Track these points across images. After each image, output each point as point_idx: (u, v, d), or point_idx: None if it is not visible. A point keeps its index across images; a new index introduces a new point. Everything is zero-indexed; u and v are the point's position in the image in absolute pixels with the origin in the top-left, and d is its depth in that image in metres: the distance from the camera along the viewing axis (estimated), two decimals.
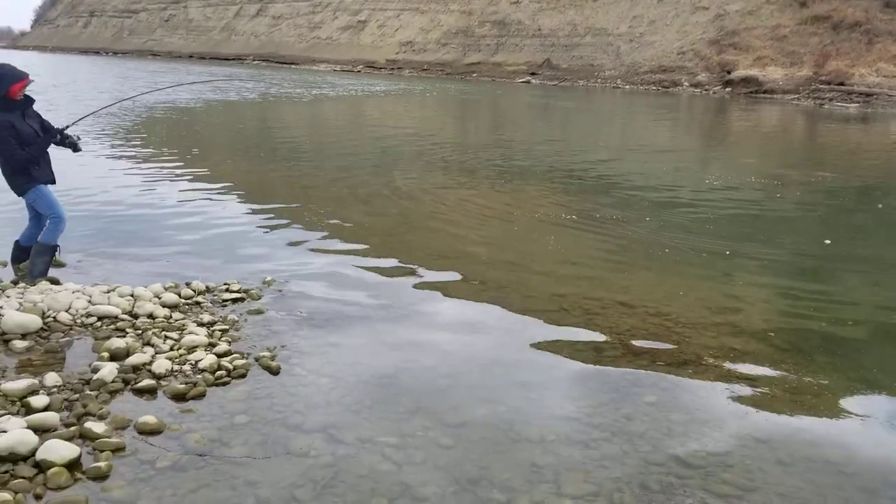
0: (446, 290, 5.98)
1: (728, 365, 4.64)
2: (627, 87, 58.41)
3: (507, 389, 4.21)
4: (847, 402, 4.25)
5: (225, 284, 5.66)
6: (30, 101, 5.62)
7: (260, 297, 5.50)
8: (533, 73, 67.22)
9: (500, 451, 3.52)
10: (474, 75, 70.73)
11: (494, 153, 15.55)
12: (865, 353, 5.00)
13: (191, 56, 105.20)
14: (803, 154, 18.70)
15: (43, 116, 5.81)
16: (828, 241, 8.08)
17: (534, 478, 3.30)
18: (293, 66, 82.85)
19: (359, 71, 77.58)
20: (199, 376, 4.09)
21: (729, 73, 53.48)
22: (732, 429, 3.82)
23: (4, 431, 3.31)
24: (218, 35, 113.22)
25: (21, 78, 5.44)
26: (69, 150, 5.88)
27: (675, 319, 5.41)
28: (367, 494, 3.12)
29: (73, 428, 3.45)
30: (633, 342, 4.95)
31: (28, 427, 3.35)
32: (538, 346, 4.89)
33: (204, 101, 26.32)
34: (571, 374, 4.47)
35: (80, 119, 6.33)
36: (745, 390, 4.30)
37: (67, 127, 5.97)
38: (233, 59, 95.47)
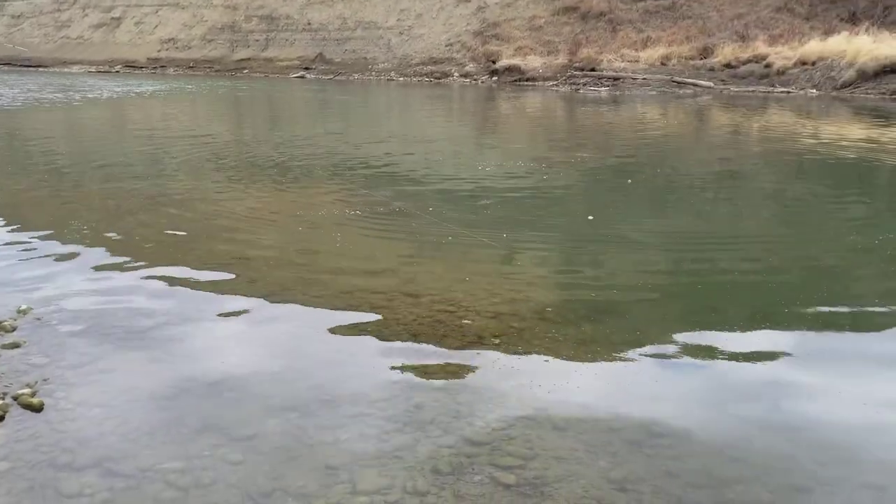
0: (228, 298, 5.77)
1: (508, 343, 4.91)
2: (401, 79, 59.66)
3: (298, 394, 4.17)
4: (613, 364, 4.67)
5: None
6: None
7: (14, 329, 4.97)
8: (307, 68, 66.53)
9: (293, 458, 3.48)
10: (245, 71, 68.69)
11: (273, 151, 15.23)
12: (628, 317, 5.52)
13: None
14: (564, 137, 20.18)
15: None
16: (591, 217, 8.80)
17: (329, 480, 3.30)
18: (40, 69, 75.51)
19: (117, 71, 72.33)
20: None
21: (494, 62, 56.33)
22: (513, 403, 4.07)
23: None
24: None
25: None
26: None
27: (459, 304, 5.63)
28: None
29: None
30: (420, 331, 5.10)
31: None
32: (327, 346, 4.88)
33: None
34: (362, 370, 4.51)
35: None
36: (524, 364, 4.58)
37: None
38: None
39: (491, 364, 4.59)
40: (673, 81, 43.35)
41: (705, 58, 46.68)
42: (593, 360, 4.70)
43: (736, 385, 4.40)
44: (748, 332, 5.18)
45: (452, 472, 3.36)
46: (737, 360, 4.74)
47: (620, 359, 4.75)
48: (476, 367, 4.53)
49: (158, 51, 77.78)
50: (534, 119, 26.13)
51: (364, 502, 3.14)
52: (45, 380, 4.22)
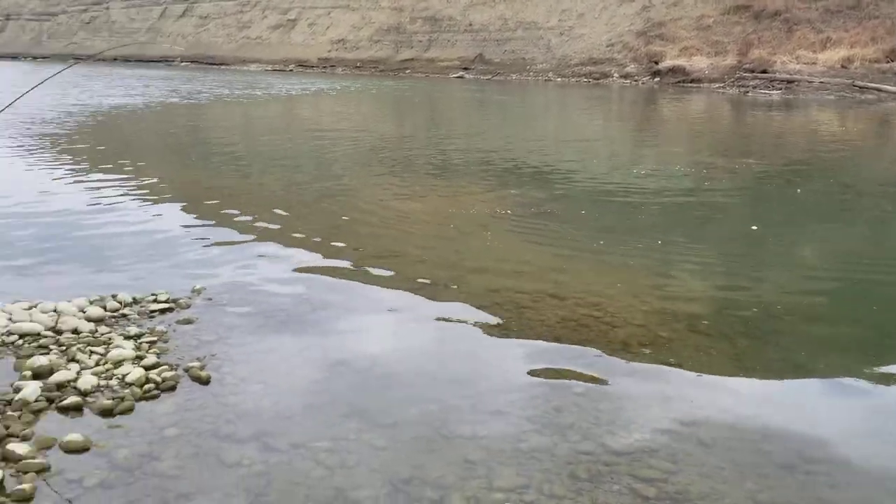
0: (379, 291, 5.99)
1: (654, 352, 4.78)
2: (559, 79, 59.20)
3: (439, 387, 4.27)
4: (768, 382, 4.43)
5: (152, 295, 5.56)
6: None
7: (189, 307, 5.42)
8: (466, 68, 67.52)
9: (432, 450, 3.57)
10: (408, 72, 70.68)
11: (430, 149, 15.60)
12: (788, 335, 5.20)
13: (115, 59, 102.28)
14: (730, 141, 19.27)
15: None
16: (754, 227, 8.37)
17: (466, 474, 3.36)
18: (223, 67, 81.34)
19: (290, 70, 76.64)
20: (127, 390, 4.02)
21: (657, 63, 54.68)
22: (657, 414, 3.95)
23: None
24: (143, 37, 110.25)
25: None
26: None
27: (605, 309, 5.54)
28: (300, 500, 3.13)
29: None
30: (564, 334, 5.06)
31: None
32: (471, 342, 4.96)
33: (131, 105, 25.66)
34: (503, 368, 4.55)
35: None
36: (671, 376, 4.44)
37: None
38: (160, 61, 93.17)
39: (636, 372, 4.48)
40: (854, 86, 40.18)
41: (893, 61, 43.01)
42: (747, 376, 4.47)
43: None
44: None
45: (590, 478, 3.32)
46: None
47: (777, 378, 4.50)
48: (620, 375, 4.44)
49: (329, 51, 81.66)
50: (697, 122, 25.13)
51: (500, 499, 3.16)
52: (212, 355, 4.57)
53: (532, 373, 4.45)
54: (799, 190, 11.26)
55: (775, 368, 4.61)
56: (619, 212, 9.38)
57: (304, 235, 7.73)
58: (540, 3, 68.31)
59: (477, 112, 29.15)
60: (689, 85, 48.88)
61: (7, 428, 3.58)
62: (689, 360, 4.65)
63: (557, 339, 4.96)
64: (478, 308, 5.57)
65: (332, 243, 7.48)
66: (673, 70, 52.60)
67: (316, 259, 6.83)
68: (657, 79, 52.81)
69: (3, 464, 3.27)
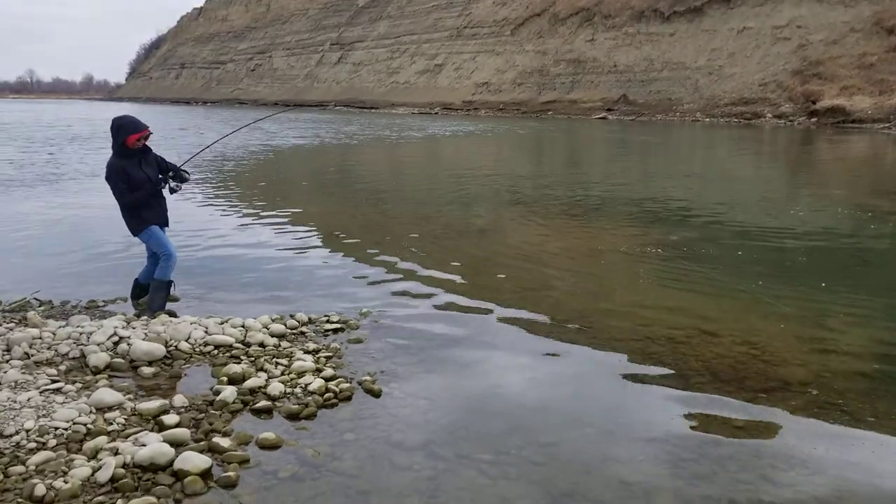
0: (530, 321, 6.21)
1: (816, 393, 4.69)
2: (707, 119, 57.74)
3: (594, 413, 4.41)
4: None
5: (325, 316, 6.07)
6: (147, 149, 6.23)
7: (358, 328, 5.87)
8: (609, 109, 67.21)
9: (590, 469, 3.72)
10: (549, 113, 71.20)
11: (574, 188, 15.75)
12: None
13: (276, 103, 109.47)
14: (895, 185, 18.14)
15: (165, 159, 6.44)
16: None
17: (624, 493, 3.49)
18: (373, 110, 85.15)
19: (436, 113, 79.16)
20: (310, 398, 4.44)
21: (814, 103, 52.23)
22: (821, 454, 3.90)
23: (144, 445, 3.73)
24: (301, 83, 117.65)
25: (139, 129, 6.06)
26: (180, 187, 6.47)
27: (763, 349, 5.48)
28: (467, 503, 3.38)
29: (202, 443, 3.84)
30: (720, 369, 5.06)
31: (164, 441, 3.75)
32: (623, 372, 5.06)
33: (290, 146, 27.50)
34: (658, 399, 4.62)
35: (190, 158, 7.05)
36: (834, 415, 4.36)
37: (182, 165, 6.59)
38: (315, 105, 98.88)
39: (796, 410, 4.42)
40: None
41: None
42: None
43: None
44: None
45: None
46: None
47: None
48: (779, 412, 4.40)
49: (473, 94, 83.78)
50: (858, 163, 23.80)
51: None
52: (381, 371, 4.95)
53: (688, 405, 4.50)
54: None
55: None
56: (774, 254, 9.14)
57: (454, 268, 8.10)
58: (688, 43, 67.10)
59: (619, 152, 28.98)
60: (850, 126, 46.29)
61: (211, 424, 4.07)
62: (855, 403, 4.53)
63: (713, 374, 4.98)
64: (629, 341, 5.66)
65: (483, 277, 7.80)
66: (832, 110, 50.05)
67: (468, 291, 7.15)
68: (814, 119, 50.41)
69: (210, 454, 3.72)
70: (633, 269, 8.14)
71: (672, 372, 5.04)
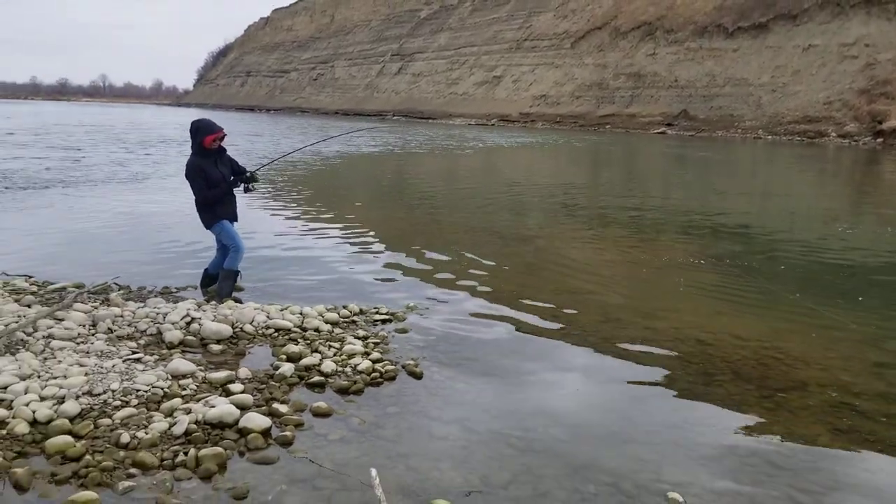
0: (570, 322, 6.57)
1: (834, 394, 4.95)
2: (769, 137, 56.93)
3: (616, 395, 4.77)
4: None
5: (375, 308, 6.56)
6: (223, 150, 6.84)
7: (404, 319, 6.34)
8: (669, 124, 66.74)
9: (608, 445, 4.09)
10: (607, 127, 71.04)
11: (627, 202, 16.00)
12: None
13: (336, 112, 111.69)
14: None
15: (238, 162, 7.05)
16: None
17: (637, 468, 3.85)
18: (431, 121, 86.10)
19: (493, 124, 79.69)
20: (358, 376, 4.92)
21: (880, 123, 51.06)
22: (833, 454, 4.20)
23: (213, 406, 4.24)
24: (362, 92, 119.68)
25: (215, 131, 6.67)
26: (252, 190, 7.07)
27: (787, 353, 5.75)
28: (494, 469, 3.78)
29: (263, 408, 4.35)
30: (743, 370, 5.36)
31: (231, 403, 4.26)
32: (649, 370, 5.39)
33: (352, 154, 28.31)
34: (675, 392, 4.95)
35: (268, 164, 7.64)
36: (847, 414, 4.62)
37: (256, 170, 7.18)
38: (375, 115, 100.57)
39: (809, 406, 4.70)
40: None
41: None
42: None
43: None
44: None
45: (754, 483, 3.69)
46: None
47: None
48: (794, 407, 4.68)
49: (530, 106, 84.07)
50: None
51: (666, 488, 3.62)
52: (424, 358, 5.40)
53: (708, 400, 4.82)
54: None
55: None
56: (823, 271, 9.30)
57: (500, 271, 8.52)
58: (752, 60, 66.22)
59: (677, 168, 28.96)
60: None
61: (271, 393, 4.58)
62: (866, 405, 4.78)
63: (736, 373, 5.28)
64: (666, 339, 5.98)
65: (527, 281, 8.20)
66: None
67: (512, 293, 7.55)
68: (880, 139, 49.28)
69: (270, 418, 4.22)
70: (677, 279, 8.42)
71: (700, 368, 5.36)
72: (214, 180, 6.69)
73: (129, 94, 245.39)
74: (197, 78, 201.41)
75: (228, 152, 7.05)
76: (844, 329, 6.52)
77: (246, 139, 35.72)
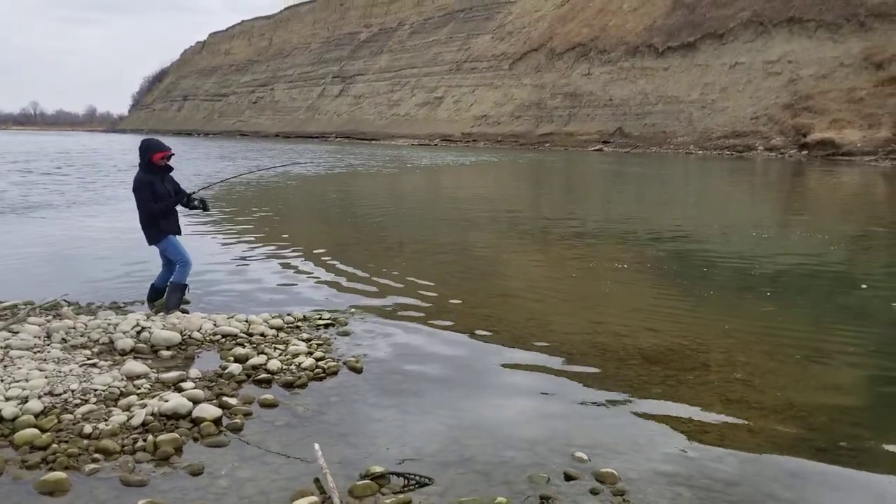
0: (498, 318, 7.09)
1: (729, 369, 5.56)
2: (700, 152, 58.98)
3: (538, 385, 5.29)
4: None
5: (318, 314, 6.97)
6: (169, 168, 7.21)
7: (346, 323, 6.77)
8: (605, 142, 68.57)
9: (528, 420, 4.60)
10: (547, 145, 72.59)
11: (566, 215, 16.71)
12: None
13: (277, 135, 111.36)
14: (886, 216, 19.09)
15: (179, 184, 7.40)
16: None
17: (551, 435, 4.36)
18: (374, 142, 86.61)
19: (435, 144, 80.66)
20: (303, 373, 5.33)
21: (804, 136, 53.47)
22: (722, 419, 4.79)
23: (167, 401, 4.60)
24: (303, 115, 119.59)
25: (163, 149, 7.06)
26: (200, 210, 7.43)
27: (693, 340, 6.37)
28: (426, 442, 4.25)
29: (213, 401, 4.72)
30: (653, 355, 5.94)
31: (184, 398, 4.63)
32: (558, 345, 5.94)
33: (298, 176, 28.58)
34: (590, 374, 5.50)
35: (206, 186, 7.95)
36: (739, 388, 5.23)
37: (195, 192, 7.54)
38: (316, 137, 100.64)
39: (702, 384, 5.29)
40: None
41: None
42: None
43: None
44: None
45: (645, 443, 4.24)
46: None
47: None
48: (688, 382, 5.27)
49: (472, 126, 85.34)
50: (848, 194, 24.74)
51: (574, 450, 4.14)
52: (365, 355, 5.85)
53: (619, 380, 5.38)
54: None
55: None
56: (739, 272, 10.04)
57: (436, 281, 9.01)
58: (682, 78, 68.62)
59: (614, 183, 30.01)
60: (840, 158, 47.43)
61: (221, 389, 4.96)
62: (762, 377, 5.39)
63: (646, 359, 5.86)
64: (585, 333, 6.54)
65: (461, 290, 8.71)
66: (821, 143, 51.22)
67: (446, 301, 8.04)
68: (804, 152, 51.58)
69: (220, 410, 4.60)
70: (606, 283, 9.04)
71: (615, 357, 5.92)
72: (160, 195, 7.04)
73: (62, 121, 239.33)
74: (132, 103, 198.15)
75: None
76: (748, 318, 7.20)
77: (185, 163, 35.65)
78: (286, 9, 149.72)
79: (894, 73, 53.83)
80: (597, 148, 66.97)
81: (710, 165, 42.54)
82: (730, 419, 4.68)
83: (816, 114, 55.81)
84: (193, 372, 5.25)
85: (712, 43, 67.75)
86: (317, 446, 3.97)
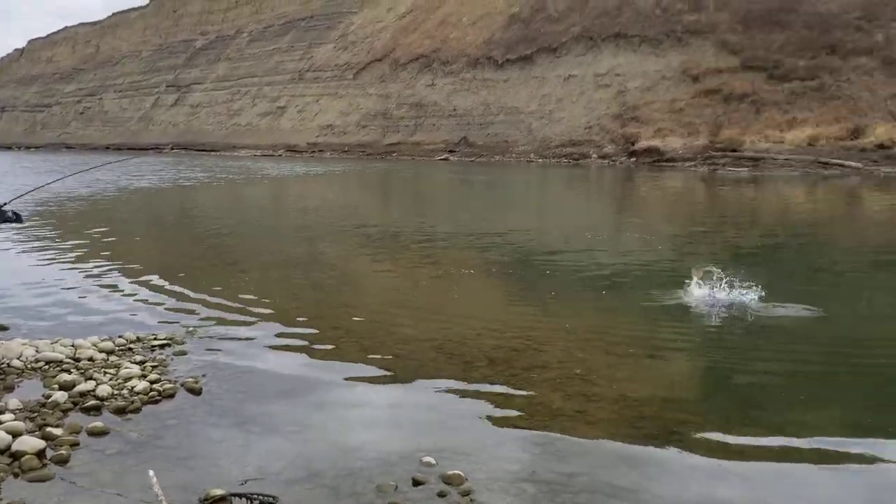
0: (345, 330, 7.03)
1: (569, 366, 5.81)
2: (540, 160, 61.46)
3: (386, 394, 5.29)
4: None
5: (153, 335, 6.60)
6: None
7: (184, 343, 6.45)
8: (451, 151, 69.95)
9: (375, 430, 4.58)
10: (394, 155, 73.02)
11: (414, 223, 16.84)
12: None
13: (108, 147, 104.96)
14: (703, 216, 20.66)
15: None
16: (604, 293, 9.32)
17: (399, 442, 4.36)
18: (213, 153, 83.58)
19: (280, 155, 79.02)
20: (136, 397, 5.02)
21: (633, 144, 57.06)
22: (561, 412, 4.98)
23: None
24: (135, 125, 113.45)
25: None
26: (14, 224, 6.82)
27: (535, 339, 6.60)
28: (270, 460, 4.12)
29: (36, 433, 4.35)
30: (496, 355, 6.10)
31: (2, 431, 4.23)
32: (407, 348, 5.98)
33: (134, 189, 27.00)
34: (437, 380, 5.57)
35: (18, 197, 7.32)
36: (577, 383, 5.47)
37: (6, 203, 6.92)
38: (151, 148, 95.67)
39: (540, 381, 5.50)
40: (818, 162, 42.19)
41: (856, 138, 45.17)
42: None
43: None
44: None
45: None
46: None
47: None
48: (530, 382, 5.46)
49: (317, 136, 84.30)
50: (670, 197, 26.59)
51: (422, 455, 4.16)
52: (203, 375, 5.59)
53: (463, 386, 5.47)
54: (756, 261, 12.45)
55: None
56: (577, 272, 10.52)
57: (279, 294, 8.82)
58: (521, 90, 71.32)
59: (459, 191, 30.64)
60: (664, 164, 50.93)
61: (44, 419, 4.57)
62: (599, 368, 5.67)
63: (490, 361, 6.00)
64: (433, 338, 6.61)
65: (306, 301, 8.56)
66: (648, 150, 54.84)
67: (289, 311, 7.87)
68: (633, 159, 54.99)
69: (44, 441, 4.24)
70: (451, 286, 9.18)
71: (459, 358, 6.02)
72: None
73: None
74: None
75: None
76: (586, 317, 7.56)
77: None
78: (113, 15, 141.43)
79: (709, 86, 58.61)
80: (443, 157, 68.18)
81: (549, 173, 44.47)
82: (570, 413, 4.88)
83: (643, 123, 59.71)
84: (13, 402, 4.80)
85: (548, 56, 70.91)
86: (151, 473, 3.75)
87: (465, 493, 3.75)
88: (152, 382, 5.28)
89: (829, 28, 54.46)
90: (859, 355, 6.31)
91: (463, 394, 5.25)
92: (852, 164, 40.53)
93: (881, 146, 42.69)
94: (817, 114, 50.11)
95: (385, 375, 5.71)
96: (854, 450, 4.39)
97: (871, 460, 4.28)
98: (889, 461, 4.26)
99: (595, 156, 59.32)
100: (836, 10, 55.18)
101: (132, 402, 4.91)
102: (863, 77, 51.12)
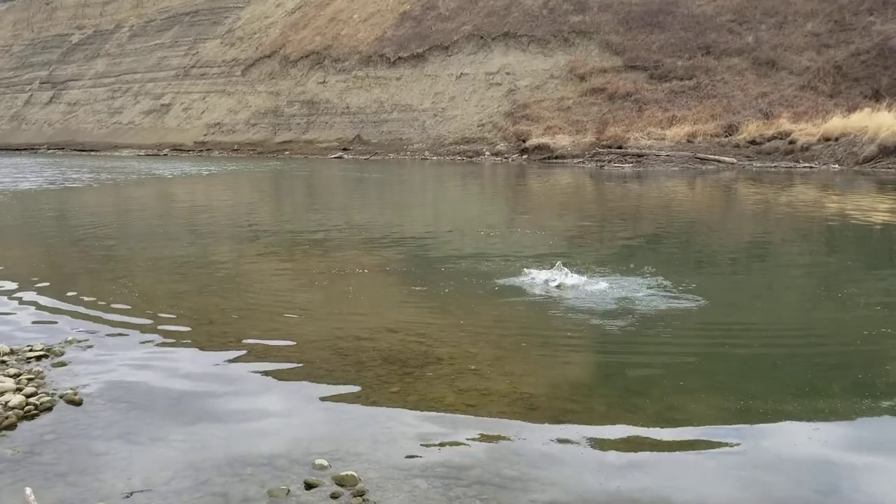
0: (238, 335, 6.88)
1: (462, 362, 5.90)
2: (435, 158, 61.82)
3: (278, 397, 5.22)
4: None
5: (28, 346, 6.26)
6: None
7: (63, 353, 6.16)
8: (345, 149, 69.34)
9: (265, 434, 4.52)
10: (286, 153, 71.72)
11: (310, 222, 16.59)
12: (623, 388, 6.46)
13: None
14: (592, 210, 21.30)
15: None
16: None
17: (290, 446, 4.32)
18: (93, 153, 79.73)
19: (165, 154, 76.18)
20: (10, 412, 4.75)
21: (524, 141, 58.28)
22: (454, 406, 5.06)
23: None
24: (6, 125, 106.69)
25: None
26: None
27: (429, 337, 6.67)
28: (156, 470, 4.00)
29: None
30: (392, 356, 6.12)
31: None
32: (307, 354, 5.93)
33: (4, 192, 25.39)
34: (329, 381, 5.54)
35: None
36: (469, 377, 5.57)
37: None
38: (25, 149, 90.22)
39: (438, 376, 5.58)
40: (696, 158, 44.47)
41: (730, 135, 47.79)
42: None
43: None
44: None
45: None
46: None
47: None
48: (425, 377, 5.52)
49: (204, 135, 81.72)
50: (560, 193, 27.33)
51: (314, 458, 4.14)
52: (84, 386, 5.35)
53: (356, 385, 5.48)
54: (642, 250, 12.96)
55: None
56: (471, 269, 10.65)
57: (169, 297, 8.53)
58: (414, 87, 71.50)
59: (354, 189, 30.43)
60: (554, 161, 52.30)
61: None
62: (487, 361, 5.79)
63: (385, 359, 6.02)
64: (328, 338, 6.56)
65: (196, 305, 8.32)
66: (539, 147, 56.18)
67: (179, 314, 7.64)
68: (525, 156, 56.20)
69: None
70: (347, 286, 9.12)
71: (355, 358, 6.01)
72: None
73: None
74: None
75: None
76: (480, 313, 7.69)
77: None
78: None
79: (594, 85, 60.64)
80: (337, 155, 67.52)
81: (444, 170, 44.83)
82: (462, 408, 4.97)
83: (533, 121, 61.09)
84: None
85: (440, 54, 71.42)
86: (28, 490, 3.58)
87: (359, 494, 3.77)
88: (28, 396, 5.01)
89: (703, 30, 57.56)
90: (735, 344, 6.70)
91: (356, 394, 5.25)
92: (727, 159, 42.88)
93: (753, 142, 45.38)
94: (695, 112, 52.68)
95: (276, 379, 5.63)
96: (729, 434, 4.66)
97: (747, 442, 4.56)
98: (763, 443, 4.56)
99: (488, 153, 60.20)
100: (710, 12, 58.36)
101: (6, 418, 4.66)
102: (735, 77, 54.26)
